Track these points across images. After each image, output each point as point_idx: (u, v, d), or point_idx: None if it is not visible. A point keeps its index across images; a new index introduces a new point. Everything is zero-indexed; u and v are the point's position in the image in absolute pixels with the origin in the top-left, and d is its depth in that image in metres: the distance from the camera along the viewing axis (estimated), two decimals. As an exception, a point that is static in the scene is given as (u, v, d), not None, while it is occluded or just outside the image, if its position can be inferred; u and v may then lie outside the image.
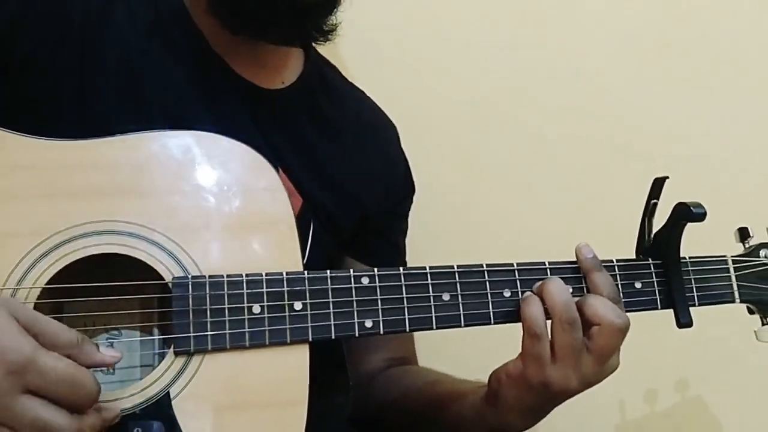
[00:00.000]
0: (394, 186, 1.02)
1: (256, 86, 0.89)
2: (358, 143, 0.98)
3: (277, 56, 0.92)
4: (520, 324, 0.77)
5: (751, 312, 0.88)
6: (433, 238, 1.19)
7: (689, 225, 0.81)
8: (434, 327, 0.76)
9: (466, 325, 0.77)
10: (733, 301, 0.85)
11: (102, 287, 0.71)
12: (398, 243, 1.05)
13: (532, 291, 0.78)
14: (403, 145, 1.06)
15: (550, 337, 0.75)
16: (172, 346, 0.70)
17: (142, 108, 0.83)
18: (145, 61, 0.84)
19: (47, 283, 0.69)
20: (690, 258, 0.84)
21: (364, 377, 0.98)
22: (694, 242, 0.85)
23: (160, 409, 0.68)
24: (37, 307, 0.68)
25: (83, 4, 0.83)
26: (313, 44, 0.94)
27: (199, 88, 0.86)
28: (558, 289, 0.75)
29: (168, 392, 0.69)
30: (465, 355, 1.07)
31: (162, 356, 0.72)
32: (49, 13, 0.81)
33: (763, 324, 0.87)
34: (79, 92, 0.81)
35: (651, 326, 0.86)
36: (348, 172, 0.95)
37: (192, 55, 0.87)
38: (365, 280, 0.75)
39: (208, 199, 0.75)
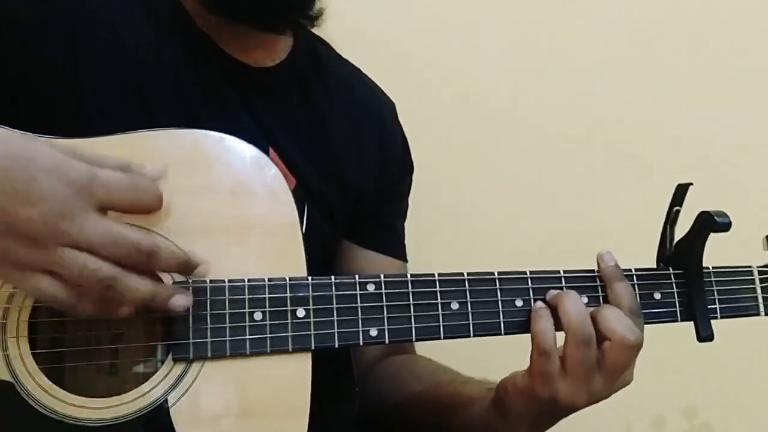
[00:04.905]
0: (390, 164, 0.99)
1: (246, 65, 0.88)
2: (352, 120, 0.95)
3: (267, 34, 0.90)
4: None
5: (777, 326, 0.84)
6: (440, 243, 1.16)
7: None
8: (442, 337, 0.74)
9: (475, 335, 0.75)
10: (758, 314, 0.81)
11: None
12: (395, 226, 1.02)
13: (544, 301, 0.75)
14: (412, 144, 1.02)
15: (561, 352, 0.72)
16: (170, 353, 0.69)
17: (134, 93, 0.81)
18: (136, 44, 0.83)
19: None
20: (713, 268, 0.80)
21: (361, 367, 0.95)
22: (715, 250, 0.81)
23: (158, 416, 0.67)
24: (34, 311, 0.67)
25: None
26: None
27: (189, 69, 0.85)
28: (574, 305, 0.72)
29: (166, 399, 0.68)
30: (469, 349, 1.04)
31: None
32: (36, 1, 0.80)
33: (790, 338, 0.83)
34: (72, 81, 0.79)
35: (660, 351, 0.83)
36: (341, 151, 0.93)
37: (181, 35, 0.86)
38: (371, 287, 0.73)
39: (211, 200, 0.73)
